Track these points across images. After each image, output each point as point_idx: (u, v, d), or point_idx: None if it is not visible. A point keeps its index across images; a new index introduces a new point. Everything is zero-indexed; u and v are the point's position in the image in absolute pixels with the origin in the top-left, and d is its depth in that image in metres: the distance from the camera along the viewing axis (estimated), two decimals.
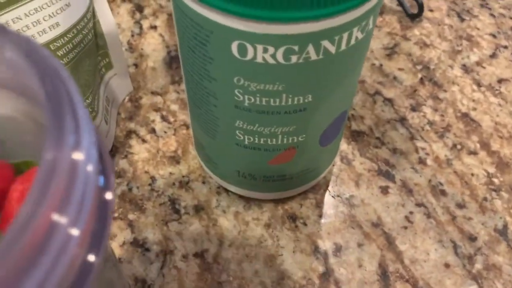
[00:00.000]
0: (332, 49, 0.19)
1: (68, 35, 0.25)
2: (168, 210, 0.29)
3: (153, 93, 0.35)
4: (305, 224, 0.29)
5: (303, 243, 0.28)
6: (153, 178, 0.31)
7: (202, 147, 0.28)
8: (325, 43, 0.19)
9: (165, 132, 0.33)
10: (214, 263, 0.27)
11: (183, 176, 0.31)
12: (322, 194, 0.30)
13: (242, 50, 0.19)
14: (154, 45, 0.38)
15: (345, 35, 0.19)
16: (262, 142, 0.24)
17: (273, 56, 0.19)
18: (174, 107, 0.34)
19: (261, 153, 0.25)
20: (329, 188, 0.30)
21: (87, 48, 0.27)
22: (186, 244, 0.28)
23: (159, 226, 0.29)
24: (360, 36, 0.20)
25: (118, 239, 0.28)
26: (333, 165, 0.31)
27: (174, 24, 0.22)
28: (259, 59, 0.19)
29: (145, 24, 0.40)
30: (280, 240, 0.28)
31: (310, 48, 0.19)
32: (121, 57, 0.31)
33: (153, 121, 0.34)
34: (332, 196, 0.30)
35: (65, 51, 0.25)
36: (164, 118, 0.34)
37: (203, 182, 0.31)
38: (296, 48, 0.19)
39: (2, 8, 0.22)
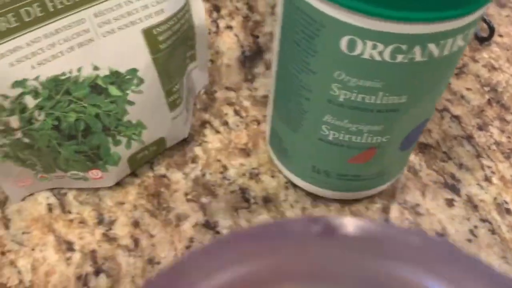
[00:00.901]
0: (436, 52, 0.20)
1: (169, 22, 0.26)
2: (239, 198, 0.31)
3: (227, 88, 0.37)
4: None
5: None
6: (224, 167, 0.32)
7: (279, 141, 0.29)
8: (431, 46, 0.20)
9: (237, 125, 0.34)
10: None
11: (253, 168, 0.32)
12: (389, 200, 0.31)
13: (352, 45, 0.20)
14: (229, 44, 0.40)
15: (450, 41, 0.20)
16: (346, 138, 0.25)
17: (381, 53, 0.20)
18: (246, 103, 0.36)
19: (343, 149, 0.26)
20: (396, 195, 0.31)
21: (182, 37, 0.28)
22: None
23: (230, 212, 0.30)
24: (461, 44, 0.21)
25: (191, 220, 0.29)
26: (401, 174, 0.32)
27: (279, 17, 0.23)
28: (366, 55, 0.20)
29: (222, 23, 0.41)
30: None
31: (417, 49, 0.20)
32: (204, 51, 0.33)
33: (226, 114, 0.35)
34: (399, 203, 0.31)
35: (165, 37, 0.27)
36: (236, 113, 0.35)
37: (272, 176, 0.32)
38: (404, 47, 0.20)
39: None
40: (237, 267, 0.11)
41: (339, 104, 0.23)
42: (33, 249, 0.28)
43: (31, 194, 0.30)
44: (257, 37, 0.40)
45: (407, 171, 0.32)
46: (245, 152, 0.33)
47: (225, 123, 0.34)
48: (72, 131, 0.26)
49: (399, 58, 0.20)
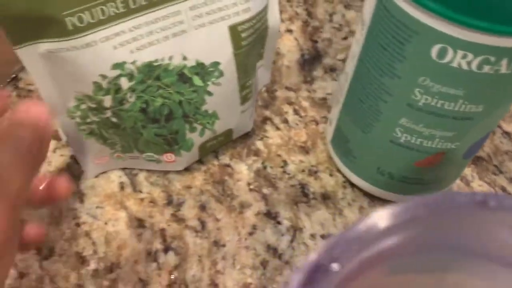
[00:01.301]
0: None
1: (253, 21, 0.28)
2: (298, 192, 0.32)
3: (287, 88, 0.38)
4: None
5: None
6: (285, 162, 0.34)
7: (345, 140, 0.30)
8: None
9: (297, 124, 0.36)
10: None
11: (312, 166, 0.34)
12: None
13: (442, 53, 0.22)
14: (289, 47, 0.41)
15: None
16: (418, 142, 0.26)
17: (469, 63, 0.21)
18: (305, 103, 0.37)
19: (412, 153, 0.27)
20: None
21: (259, 35, 0.30)
22: (314, 226, 0.30)
23: (290, 205, 0.31)
24: None
25: (253, 208, 0.31)
26: (454, 182, 0.33)
27: (365, 20, 0.25)
28: (454, 64, 0.22)
29: (282, 27, 0.43)
30: None
31: (504, 62, 0.21)
32: (272, 51, 0.34)
33: (286, 112, 0.37)
34: None
35: (247, 34, 0.28)
36: (296, 112, 0.37)
37: (330, 175, 0.33)
38: (492, 59, 0.21)
39: None
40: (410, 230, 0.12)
41: (418, 109, 0.24)
42: (106, 223, 0.30)
43: (104, 172, 0.32)
44: (316, 42, 0.42)
45: (459, 181, 0.34)
46: (304, 149, 0.34)
47: (285, 121, 0.36)
48: (157, 115, 0.27)
49: (485, 69, 0.22)
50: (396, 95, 0.25)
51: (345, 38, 0.43)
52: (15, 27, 0.22)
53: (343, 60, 0.41)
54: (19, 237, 0.20)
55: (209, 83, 0.28)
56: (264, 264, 0.29)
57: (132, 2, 0.24)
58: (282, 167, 0.33)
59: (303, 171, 0.33)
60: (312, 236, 0.30)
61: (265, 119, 0.36)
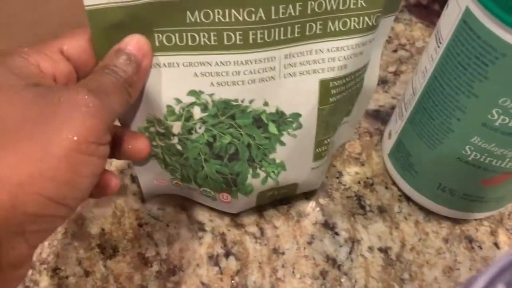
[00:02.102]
0: None
1: (346, 78, 0.26)
2: (355, 204, 0.32)
3: None
4: (480, 247, 0.31)
5: (478, 264, 0.30)
6: (340, 173, 0.34)
7: (406, 155, 0.30)
8: None
9: None
10: (397, 261, 0.30)
11: (367, 178, 0.34)
12: (497, 224, 0.32)
13: None
14: None
15: None
16: (487, 161, 0.26)
17: None
18: None
19: (479, 171, 0.27)
20: (503, 220, 0.32)
21: (351, 93, 0.28)
22: (371, 238, 0.31)
23: (347, 216, 0.32)
24: None
25: (311, 218, 0.31)
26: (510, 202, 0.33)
27: (444, 39, 0.25)
28: None
29: None
30: (457, 256, 0.30)
31: None
32: (362, 110, 0.31)
33: None
34: (506, 229, 0.32)
35: (337, 91, 0.26)
36: None
37: (386, 188, 0.33)
38: None
39: (311, 38, 0.24)
40: None
41: (493, 128, 0.25)
42: (167, 225, 0.30)
43: None
44: None
45: None
46: (359, 161, 0.35)
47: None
48: (222, 151, 0.26)
49: None
50: (470, 113, 0.25)
51: (395, 51, 0.43)
52: (104, 40, 0.22)
53: (394, 73, 0.41)
54: (104, 163, 0.21)
55: (284, 132, 0.26)
56: (323, 274, 0.29)
57: (227, 39, 0.23)
58: (337, 177, 0.34)
59: (358, 182, 0.33)
60: (370, 248, 0.30)
61: None
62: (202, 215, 0.31)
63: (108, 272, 0.28)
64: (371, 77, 0.29)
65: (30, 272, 0.28)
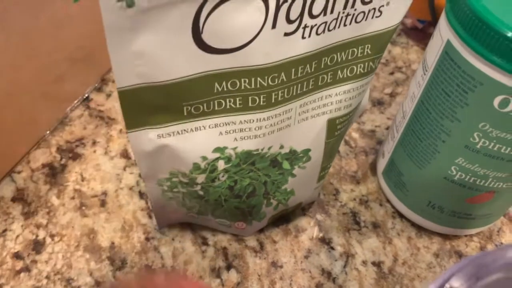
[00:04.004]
0: None
1: (350, 114, 0.28)
2: (350, 220, 0.34)
3: None
4: None
5: None
6: (336, 190, 0.36)
7: (398, 174, 0.32)
8: None
9: (347, 154, 0.38)
10: (389, 274, 0.31)
11: (362, 195, 0.36)
12: (486, 240, 0.34)
13: (504, 103, 0.24)
14: None
15: None
16: (471, 180, 0.28)
17: None
18: (355, 135, 0.39)
19: (464, 190, 0.29)
20: (493, 237, 0.34)
21: (350, 121, 0.30)
22: (365, 252, 0.32)
23: (342, 231, 0.33)
24: None
25: (308, 233, 0.33)
26: (499, 218, 0.35)
27: (429, 67, 0.27)
28: None
29: None
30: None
31: None
32: (352, 123, 0.33)
33: None
34: (495, 244, 0.34)
35: (342, 125, 0.28)
36: (346, 143, 0.39)
37: (380, 205, 0.35)
38: None
39: (323, 87, 0.26)
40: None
41: (475, 150, 0.26)
42: (173, 239, 0.32)
43: None
44: None
45: (503, 217, 0.35)
46: (355, 179, 0.36)
47: (336, 154, 0.38)
48: (241, 192, 0.28)
49: None
50: (454, 136, 0.27)
51: (391, 73, 0.45)
52: (134, 114, 0.23)
53: (390, 94, 0.43)
54: None
55: (295, 166, 0.28)
56: (319, 286, 0.31)
57: (251, 102, 0.24)
58: (334, 195, 0.35)
59: (354, 199, 0.35)
60: (364, 262, 0.32)
61: None
62: (206, 230, 0.33)
63: (117, 282, 0.30)
64: (364, 99, 0.30)
65: (45, 281, 0.30)
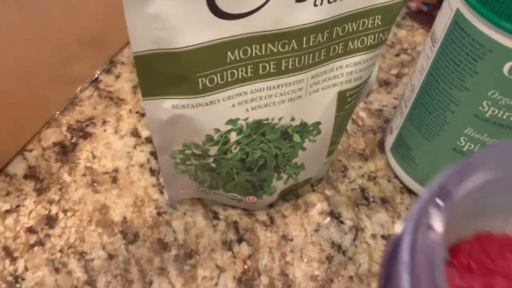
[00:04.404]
0: None
1: (360, 86, 0.28)
2: (359, 195, 0.34)
3: None
4: None
5: None
6: (345, 167, 0.36)
7: (407, 148, 0.32)
8: None
9: (355, 132, 0.38)
10: None
11: (370, 172, 0.36)
12: None
13: None
14: None
15: None
16: None
17: None
18: (362, 114, 0.40)
19: None
20: None
21: (360, 95, 0.30)
22: (374, 226, 0.33)
23: (351, 207, 0.34)
24: None
25: (318, 207, 0.33)
26: None
27: (438, 38, 0.27)
28: None
29: None
30: None
31: None
32: (362, 98, 0.33)
33: None
34: None
35: (352, 98, 0.29)
36: (354, 122, 0.39)
37: (388, 181, 0.35)
38: None
39: (334, 58, 0.26)
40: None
41: (484, 120, 0.27)
42: (184, 214, 0.32)
43: None
44: None
45: None
46: (363, 156, 0.37)
47: (345, 130, 0.38)
48: (252, 164, 0.28)
49: None
50: (463, 106, 0.27)
51: (397, 55, 0.46)
52: (150, 81, 0.23)
53: (396, 75, 0.43)
54: None
55: (305, 140, 0.29)
56: (329, 259, 0.31)
57: (262, 69, 0.24)
58: (342, 171, 0.36)
59: (362, 176, 0.36)
60: (373, 236, 0.32)
61: None
62: (217, 205, 0.33)
63: (130, 256, 0.30)
64: (374, 73, 0.30)
65: (59, 255, 0.30)
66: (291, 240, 0.32)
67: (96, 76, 0.41)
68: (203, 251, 0.31)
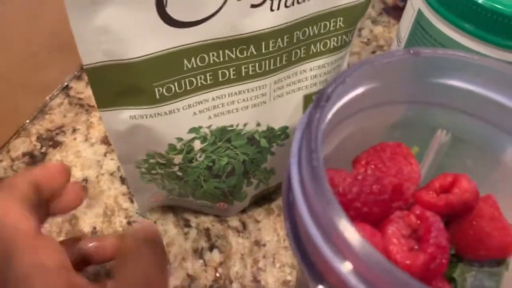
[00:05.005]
0: None
1: None
2: None
3: None
4: None
5: None
6: None
7: None
8: None
9: None
10: None
11: None
12: None
13: None
14: None
15: None
16: None
17: None
18: None
19: None
20: None
21: None
22: None
23: None
24: None
25: None
26: None
27: (402, 37, 0.27)
28: None
29: None
30: None
31: None
32: None
33: None
34: None
35: None
36: None
37: None
38: None
39: (296, 62, 0.25)
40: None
41: None
42: (155, 222, 0.32)
43: None
44: None
45: None
46: None
47: None
48: (220, 171, 0.28)
49: None
50: None
51: (373, 52, 0.45)
52: (105, 93, 0.22)
53: None
54: None
55: (274, 144, 0.28)
56: None
57: (222, 75, 0.24)
58: None
59: None
60: None
61: None
62: (188, 212, 0.32)
63: (99, 267, 0.30)
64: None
65: None
66: (264, 245, 0.31)
67: (66, 83, 0.40)
68: (174, 260, 0.30)
